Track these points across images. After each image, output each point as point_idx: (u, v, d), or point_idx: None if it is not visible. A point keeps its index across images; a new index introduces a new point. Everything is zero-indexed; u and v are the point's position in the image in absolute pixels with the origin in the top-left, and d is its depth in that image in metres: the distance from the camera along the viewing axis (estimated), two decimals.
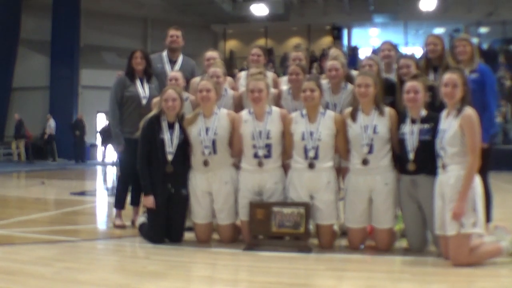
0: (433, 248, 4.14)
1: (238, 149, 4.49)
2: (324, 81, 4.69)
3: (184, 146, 4.52)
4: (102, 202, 8.16)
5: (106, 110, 5.60)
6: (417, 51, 18.55)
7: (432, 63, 4.86)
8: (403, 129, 4.10)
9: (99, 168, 17.19)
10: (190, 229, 4.69)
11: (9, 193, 9.28)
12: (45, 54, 21.31)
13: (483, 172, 4.19)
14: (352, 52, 22.11)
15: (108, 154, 20.98)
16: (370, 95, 4.18)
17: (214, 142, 4.42)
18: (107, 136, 20.26)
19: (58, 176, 13.77)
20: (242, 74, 5.44)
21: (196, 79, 5.11)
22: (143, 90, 5.34)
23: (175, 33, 5.67)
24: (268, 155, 4.34)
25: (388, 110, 4.24)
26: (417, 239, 4.16)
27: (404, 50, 19.79)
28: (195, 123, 4.50)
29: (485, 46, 21.41)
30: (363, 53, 19.92)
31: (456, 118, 3.75)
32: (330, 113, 4.36)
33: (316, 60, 17.91)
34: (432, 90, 4.30)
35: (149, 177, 4.47)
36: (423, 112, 4.10)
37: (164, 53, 5.70)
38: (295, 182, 4.30)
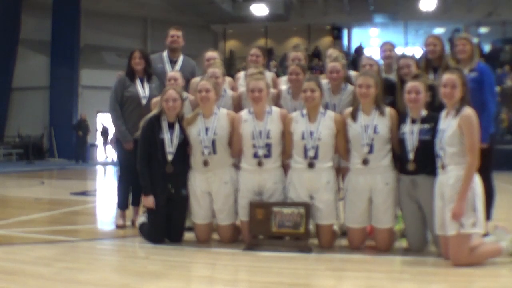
0: (433, 248, 4.14)
1: (238, 149, 4.49)
2: (324, 81, 4.69)
3: (184, 146, 4.53)
4: (102, 202, 8.15)
5: (107, 111, 5.57)
6: (417, 51, 18.53)
7: (432, 63, 4.85)
8: (403, 129, 4.11)
9: (99, 168, 17.19)
10: (190, 229, 4.70)
11: (9, 193, 9.27)
12: (45, 54, 21.30)
13: (486, 171, 4.19)
14: (356, 53, 21.82)
15: (108, 154, 21.03)
16: (371, 96, 4.19)
17: (213, 142, 4.42)
18: (106, 136, 20.33)
19: (58, 176, 13.79)
20: (241, 74, 5.44)
21: (195, 79, 5.11)
22: (143, 90, 5.34)
23: (175, 33, 5.66)
24: (268, 155, 4.34)
25: (388, 110, 4.24)
26: (417, 239, 4.16)
27: (404, 50, 19.76)
28: (194, 123, 4.50)
29: (487, 47, 21.35)
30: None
31: (455, 118, 3.75)
32: (330, 113, 4.36)
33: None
34: (432, 89, 4.30)
35: (149, 177, 4.47)
36: (423, 112, 4.10)
37: (165, 53, 5.69)
38: (295, 182, 4.30)
